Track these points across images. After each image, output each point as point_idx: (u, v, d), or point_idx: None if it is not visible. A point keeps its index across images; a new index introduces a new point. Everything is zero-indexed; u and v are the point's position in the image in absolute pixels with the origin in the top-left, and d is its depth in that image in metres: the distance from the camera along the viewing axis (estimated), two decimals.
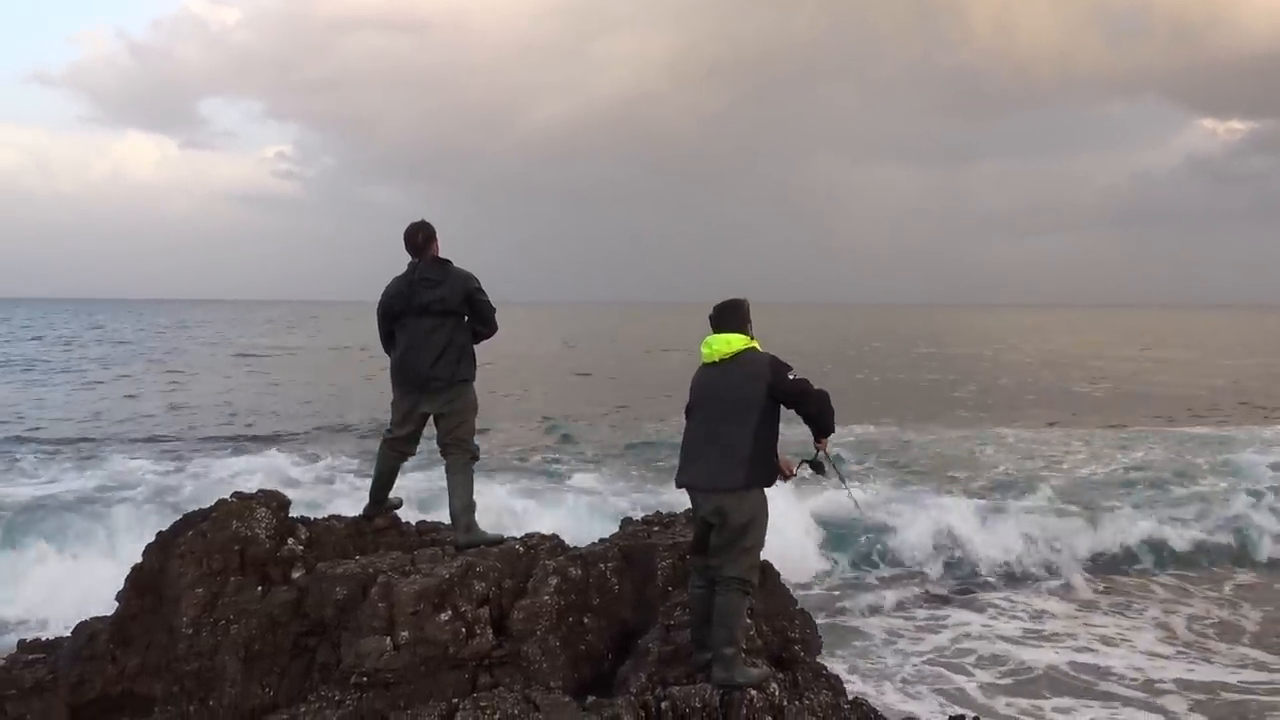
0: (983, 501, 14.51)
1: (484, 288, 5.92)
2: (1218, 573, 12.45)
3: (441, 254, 5.90)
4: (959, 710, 5.77)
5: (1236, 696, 8.08)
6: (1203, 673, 8.63)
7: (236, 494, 5.93)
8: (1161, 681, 8.39)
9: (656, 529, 6.37)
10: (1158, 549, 12.99)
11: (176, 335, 68.98)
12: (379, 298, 5.98)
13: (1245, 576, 12.29)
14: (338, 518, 6.32)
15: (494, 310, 6.00)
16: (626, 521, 6.77)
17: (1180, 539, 13.23)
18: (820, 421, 4.93)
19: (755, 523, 4.90)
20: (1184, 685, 8.31)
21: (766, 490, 4.95)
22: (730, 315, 5.06)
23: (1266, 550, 13.19)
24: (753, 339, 5.03)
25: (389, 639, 5.05)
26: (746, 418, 4.82)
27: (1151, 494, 15.84)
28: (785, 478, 5.01)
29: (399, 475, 6.28)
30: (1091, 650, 9.20)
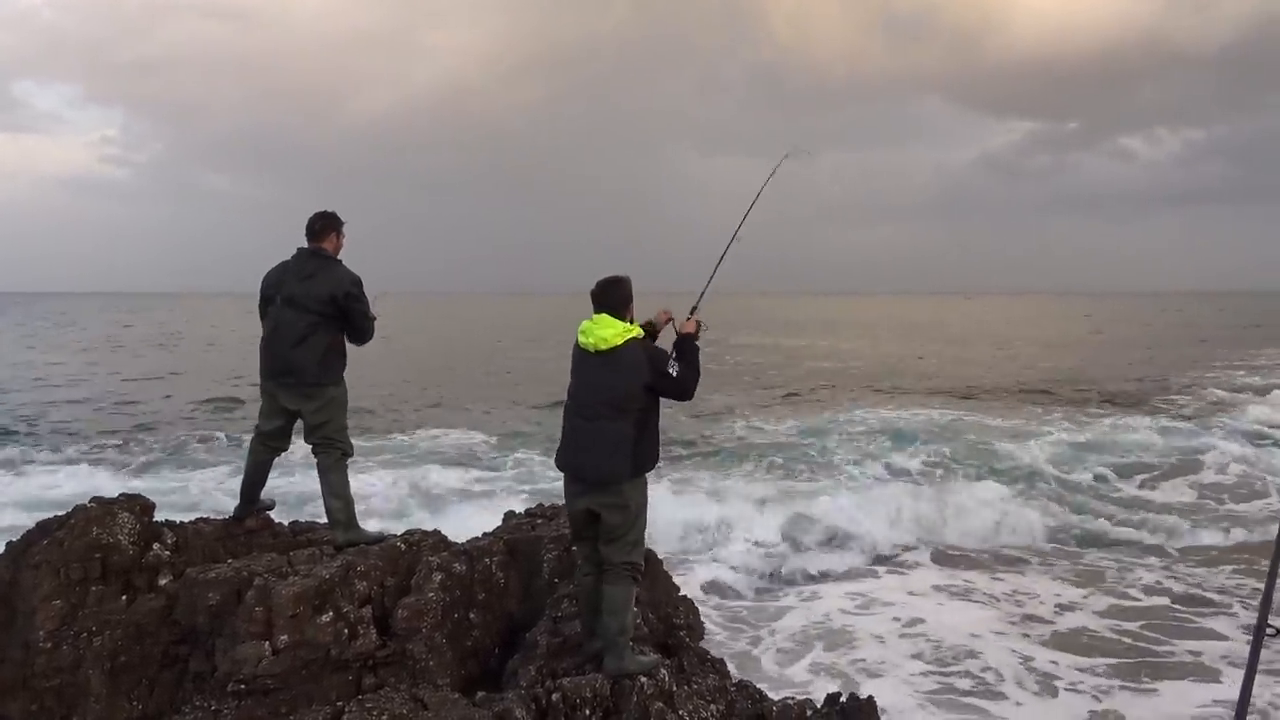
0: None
1: (363, 294, 5.83)
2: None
3: (342, 250, 5.88)
4: (835, 688, 6.18)
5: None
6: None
7: (95, 499, 5.83)
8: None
9: (540, 521, 6.53)
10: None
11: None
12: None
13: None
14: (206, 520, 6.28)
15: (370, 319, 5.90)
16: (509, 515, 6.90)
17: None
18: (691, 393, 5.21)
19: (642, 509, 5.17)
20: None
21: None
22: (610, 293, 5.18)
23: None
24: (632, 323, 5.20)
25: (267, 644, 5.06)
26: (629, 414, 5.05)
27: None
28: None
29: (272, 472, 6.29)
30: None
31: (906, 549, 13.15)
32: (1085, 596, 10.95)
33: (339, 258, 5.91)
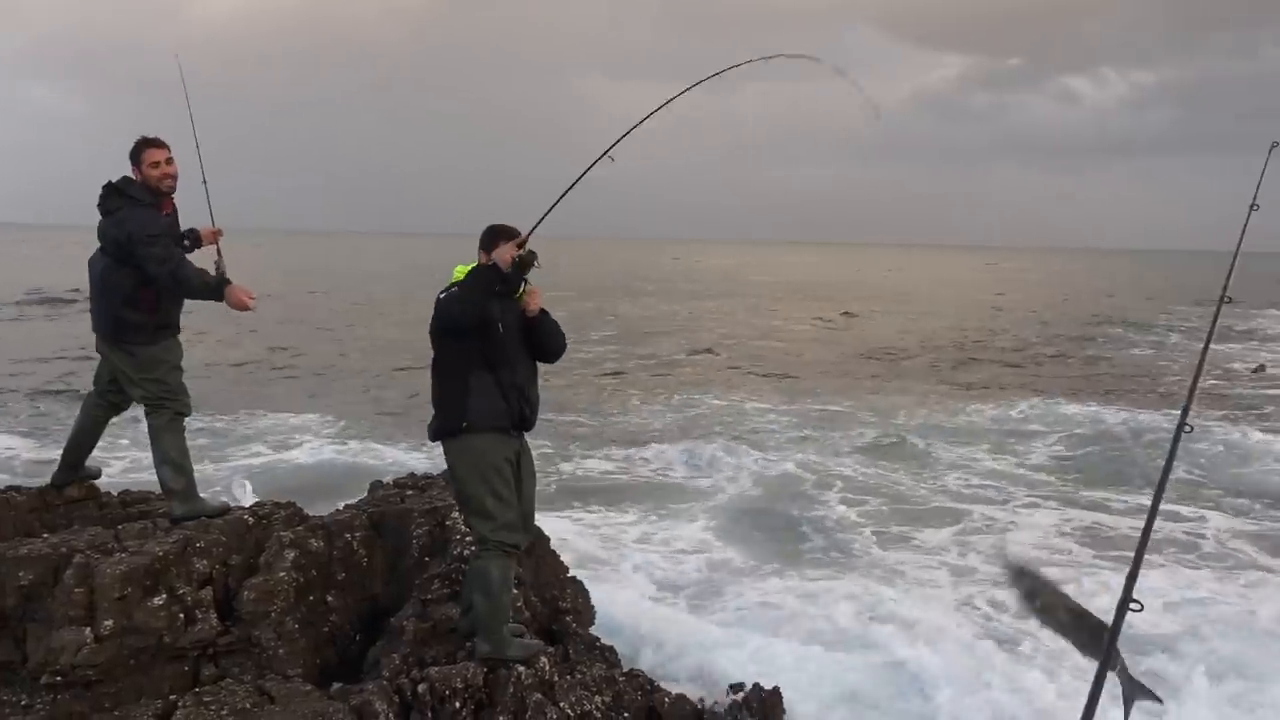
0: None
1: (154, 239, 5.23)
2: None
3: (172, 179, 5.47)
4: (738, 679, 6.13)
5: None
6: None
7: None
8: None
9: (410, 492, 6.36)
10: None
11: None
12: None
13: None
14: (17, 489, 5.93)
15: (164, 263, 5.23)
16: (376, 485, 6.71)
17: None
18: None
19: (468, 477, 4.81)
20: None
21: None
22: (481, 241, 4.88)
23: None
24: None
25: (89, 630, 4.80)
26: (435, 363, 4.92)
27: None
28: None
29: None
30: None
31: None
32: None
33: (163, 190, 5.45)
